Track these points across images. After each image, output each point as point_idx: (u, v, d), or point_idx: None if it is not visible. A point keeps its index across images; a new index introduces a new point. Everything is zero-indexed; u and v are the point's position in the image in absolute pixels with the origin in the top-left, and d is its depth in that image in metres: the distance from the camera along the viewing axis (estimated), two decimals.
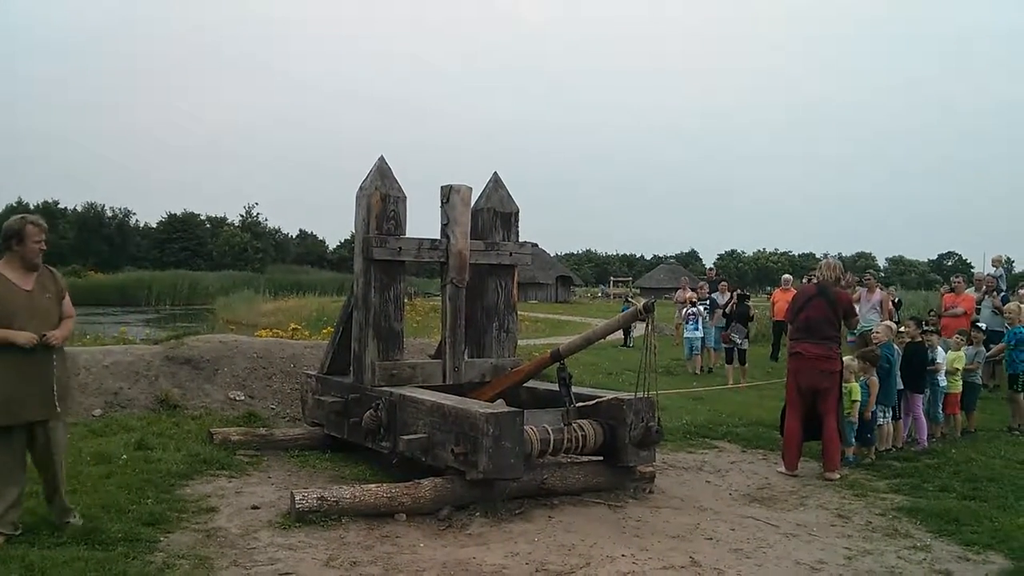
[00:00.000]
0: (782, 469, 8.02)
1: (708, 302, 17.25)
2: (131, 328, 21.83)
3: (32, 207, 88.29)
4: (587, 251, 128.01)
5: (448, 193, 7.63)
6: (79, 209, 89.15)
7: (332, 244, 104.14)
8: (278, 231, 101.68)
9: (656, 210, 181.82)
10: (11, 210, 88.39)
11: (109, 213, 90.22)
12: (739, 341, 15.19)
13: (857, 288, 14.79)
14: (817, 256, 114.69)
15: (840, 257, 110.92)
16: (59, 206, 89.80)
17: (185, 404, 9.60)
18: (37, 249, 5.32)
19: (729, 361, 15.22)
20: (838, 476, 7.69)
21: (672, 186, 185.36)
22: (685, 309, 17.81)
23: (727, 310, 16.04)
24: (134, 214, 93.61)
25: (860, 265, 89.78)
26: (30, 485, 6.17)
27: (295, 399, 9.58)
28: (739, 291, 16.95)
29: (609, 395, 7.12)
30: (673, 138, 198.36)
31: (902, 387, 9.14)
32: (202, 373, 10.15)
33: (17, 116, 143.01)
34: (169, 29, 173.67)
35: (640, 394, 6.71)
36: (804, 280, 16.11)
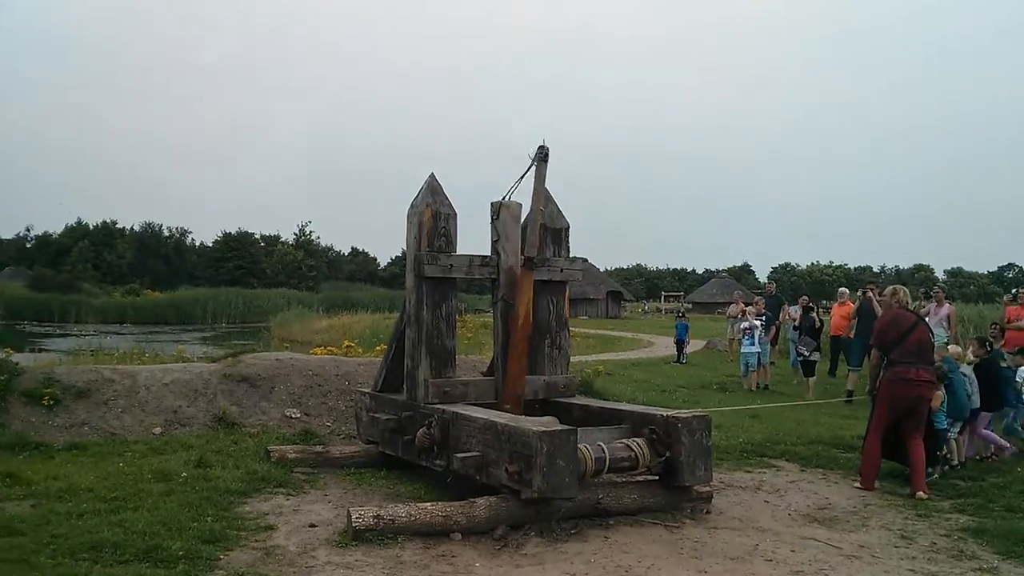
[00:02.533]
0: (858, 484, 8.00)
1: (765, 318, 17.02)
2: (188, 346, 22.18)
3: (91, 227, 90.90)
4: (637, 265, 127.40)
5: (498, 209, 7.65)
6: (137, 229, 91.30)
7: (383, 261, 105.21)
8: (330, 249, 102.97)
9: (708, 223, 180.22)
10: (71, 230, 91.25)
11: (166, 232, 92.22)
12: (807, 353, 15.03)
13: (924, 303, 14.51)
14: (874, 269, 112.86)
15: (898, 270, 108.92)
16: (117, 226, 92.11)
17: (243, 422, 9.74)
18: None
19: (807, 375, 15.15)
20: (927, 495, 7.58)
21: (724, 199, 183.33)
22: (739, 324, 17.62)
23: (797, 323, 15.99)
24: (190, 233, 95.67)
25: (919, 278, 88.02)
26: (90, 503, 6.32)
27: (350, 416, 9.66)
28: (805, 303, 16.91)
29: (665, 413, 7.05)
30: (724, 150, 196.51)
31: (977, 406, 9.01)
32: (259, 391, 10.29)
33: (75, 139, 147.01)
34: (220, 52, 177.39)
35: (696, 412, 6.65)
36: (860, 294, 15.90)
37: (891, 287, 8.76)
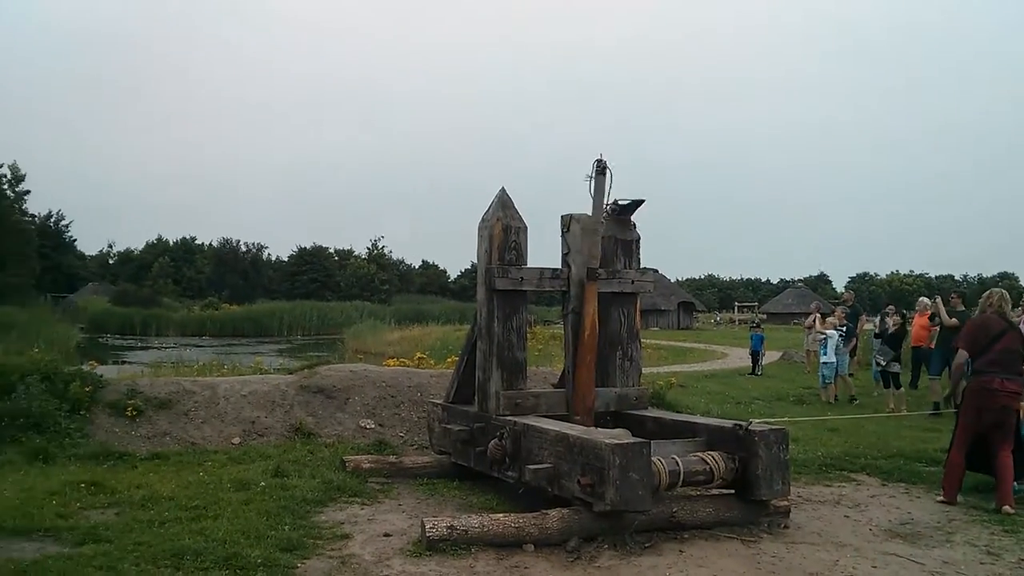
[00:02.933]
0: (941, 498, 7.77)
1: (846, 329, 16.62)
2: (265, 358, 22.66)
3: (171, 243, 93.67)
4: (709, 276, 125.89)
5: (568, 222, 7.66)
6: (215, 244, 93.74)
7: (453, 274, 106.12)
8: (402, 262, 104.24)
9: (782, 232, 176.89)
10: (152, 247, 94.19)
11: (243, 248, 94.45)
12: (884, 363, 14.66)
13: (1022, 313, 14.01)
14: (956, 278, 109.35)
15: (981, 279, 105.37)
16: (196, 242, 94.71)
17: (318, 432, 9.91)
18: None
19: (887, 385, 14.75)
20: (1014, 510, 7.31)
21: (799, 207, 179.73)
22: (815, 334, 17.26)
23: (888, 333, 15.58)
24: (266, 248, 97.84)
25: (1004, 287, 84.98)
26: (172, 511, 6.49)
27: (422, 427, 9.75)
28: (885, 311, 16.51)
29: (741, 425, 6.93)
30: (798, 157, 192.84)
31: None
32: (334, 402, 10.46)
33: (154, 157, 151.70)
34: (291, 69, 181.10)
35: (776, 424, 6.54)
36: (931, 301, 15.48)
37: (989, 290, 8.42)
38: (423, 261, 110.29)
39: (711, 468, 6.49)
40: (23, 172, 56.64)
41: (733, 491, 6.70)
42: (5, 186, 54.81)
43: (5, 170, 55.39)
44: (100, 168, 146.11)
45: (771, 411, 13.91)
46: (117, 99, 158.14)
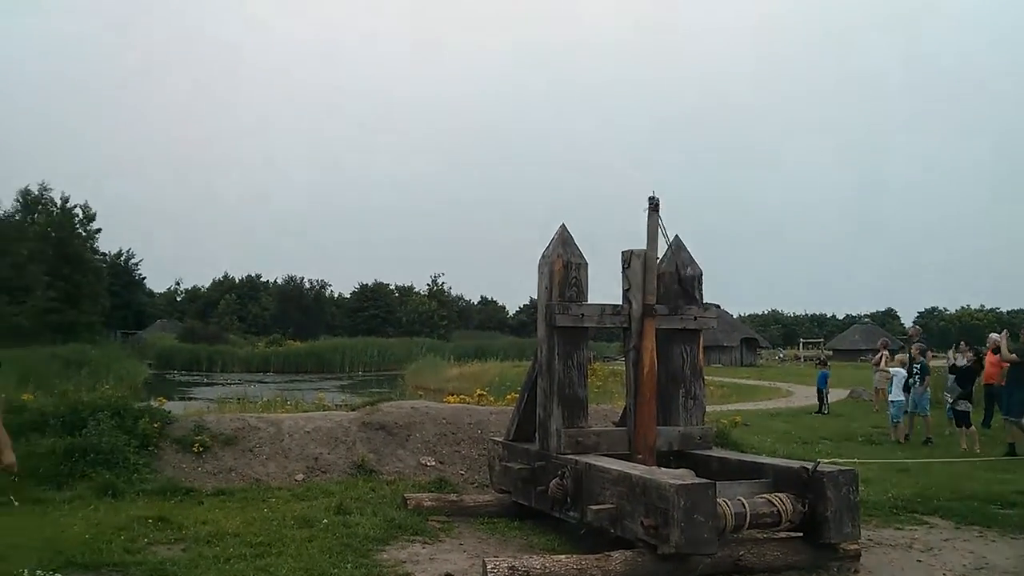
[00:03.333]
0: None
1: (919, 366, 16.17)
2: (327, 394, 22.92)
3: (237, 280, 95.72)
4: (772, 311, 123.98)
5: (629, 258, 7.62)
6: (280, 282, 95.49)
7: (512, 310, 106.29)
8: (461, 298, 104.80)
9: (847, 267, 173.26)
10: (218, 284, 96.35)
11: (307, 285, 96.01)
12: (951, 401, 14.25)
13: None
14: None
15: None
16: (261, 279, 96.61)
17: (380, 469, 9.95)
18: None
19: (959, 424, 14.32)
20: None
21: (865, 240, 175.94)
22: (883, 372, 16.84)
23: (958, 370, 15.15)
24: (329, 285, 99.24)
25: None
26: (237, 547, 6.55)
27: (483, 465, 9.71)
28: (956, 348, 16.05)
29: (809, 466, 6.77)
30: (863, 188, 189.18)
31: None
32: (395, 439, 10.50)
33: (220, 197, 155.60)
34: (349, 113, 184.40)
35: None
36: (998, 336, 15.01)
37: None
38: (482, 297, 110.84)
39: (779, 510, 6.33)
40: (94, 210, 58.55)
41: (801, 534, 6.53)
42: (77, 225, 56.62)
43: (78, 209, 57.28)
44: (169, 206, 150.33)
45: (839, 451, 13.56)
46: (186, 142, 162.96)
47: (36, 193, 56.33)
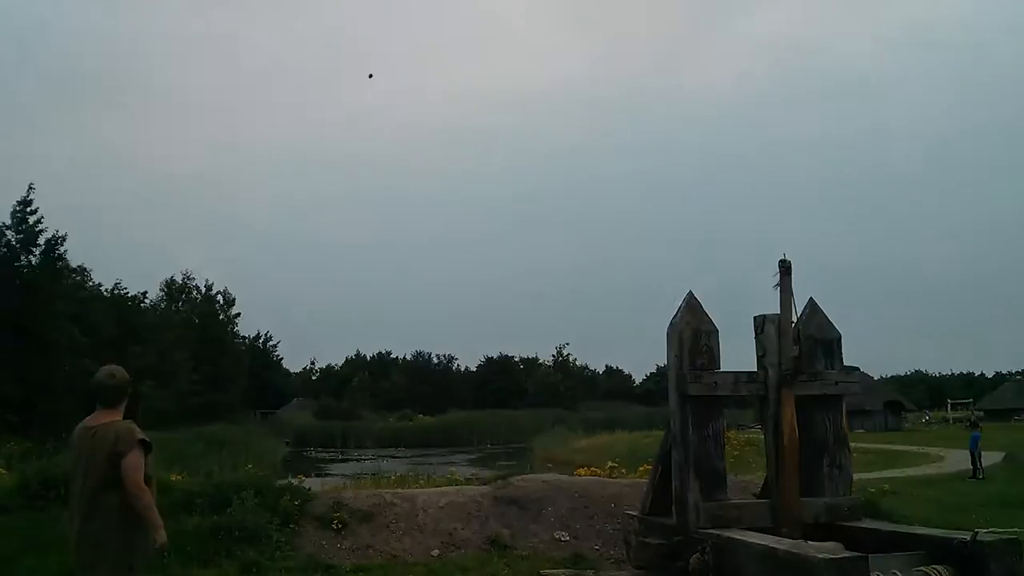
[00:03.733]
0: None
1: None
2: (458, 468, 23.08)
3: (368, 358, 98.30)
4: (916, 371, 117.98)
5: (762, 323, 7.44)
6: (408, 358, 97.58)
7: (638, 378, 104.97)
8: (586, 368, 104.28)
9: (995, 321, 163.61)
10: (350, 362, 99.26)
11: (435, 360, 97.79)
12: None
13: None
14: None
15: None
16: (391, 355, 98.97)
17: (514, 544, 9.87)
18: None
19: None
20: None
21: (1014, 291, 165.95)
22: None
23: None
24: (456, 359, 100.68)
25: None
26: None
27: (618, 539, 9.51)
28: None
29: (967, 537, 6.33)
30: (1004, 237, 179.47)
31: None
32: (528, 513, 10.43)
33: (349, 279, 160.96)
34: (482, 193, 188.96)
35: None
36: None
37: None
38: (607, 366, 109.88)
39: None
40: (234, 296, 61.64)
41: None
42: (219, 310, 59.67)
43: (219, 296, 60.47)
44: (303, 289, 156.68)
45: (998, 519, 12.62)
46: (321, 224, 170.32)
47: (180, 282, 59.89)
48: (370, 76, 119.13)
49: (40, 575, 8.46)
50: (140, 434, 5.12)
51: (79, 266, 38.88)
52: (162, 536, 5.00)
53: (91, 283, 43.11)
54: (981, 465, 20.23)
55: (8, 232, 30.96)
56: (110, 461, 5.00)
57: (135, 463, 4.98)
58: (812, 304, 7.85)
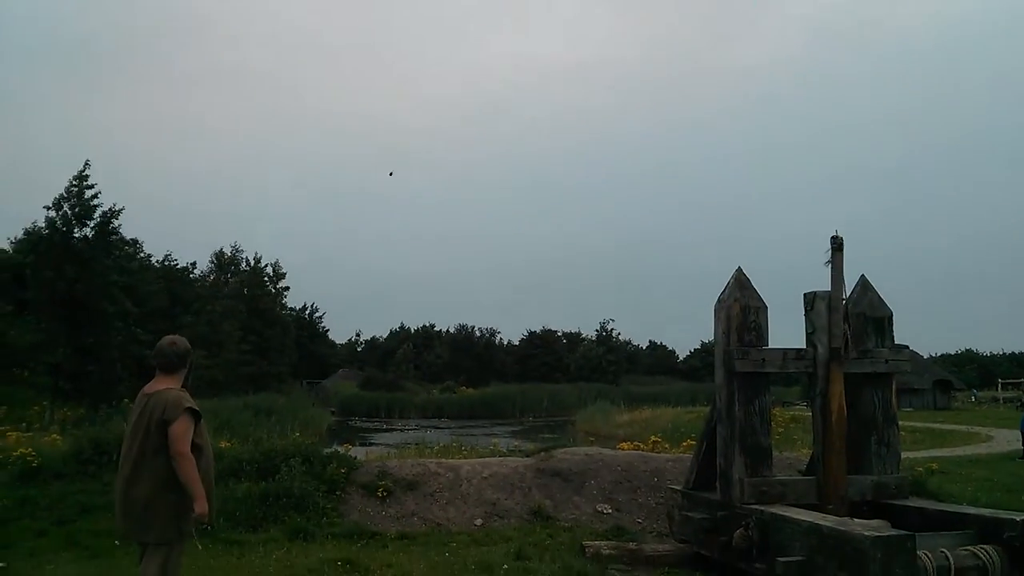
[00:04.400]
0: None
1: None
2: (500, 439, 23.17)
3: (413, 331, 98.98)
4: (967, 351, 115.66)
5: (812, 300, 7.37)
6: (452, 331, 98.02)
7: (682, 354, 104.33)
8: (629, 343, 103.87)
9: None
10: (395, 334, 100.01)
11: (478, 333, 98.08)
12: None
13: None
14: None
15: None
16: (435, 328, 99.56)
17: (556, 515, 9.94)
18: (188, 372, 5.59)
19: None
20: None
21: None
22: None
23: None
24: (499, 333, 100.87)
25: None
26: None
27: (660, 513, 9.53)
28: None
29: (1018, 517, 6.25)
30: None
31: None
32: (571, 485, 10.48)
33: (399, 254, 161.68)
34: (510, 168, 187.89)
35: None
36: None
37: None
38: (650, 342, 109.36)
39: (984, 563, 5.87)
40: (284, 270, 62.24)
41: None
42: (267, 282, 60.37)
43: (268, 268, 61.13)
44: (348, 262, 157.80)
45: None
46: (366, 198, 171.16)
47: (229, 254, 60.64)
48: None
49: (94, 538, 8.73)
50: (189, 402, 5.22)
51: (132, 239, 39.53)
52: (202, 506, 5.06)
53: (142, 254, 43.83)
54: None
55: (64, 205, 31.57)
56: (159, 428, 5.12)
57: (181, 431, 5.08)
58: (863, 281, 7.75)
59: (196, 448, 5.19)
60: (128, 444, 5.29)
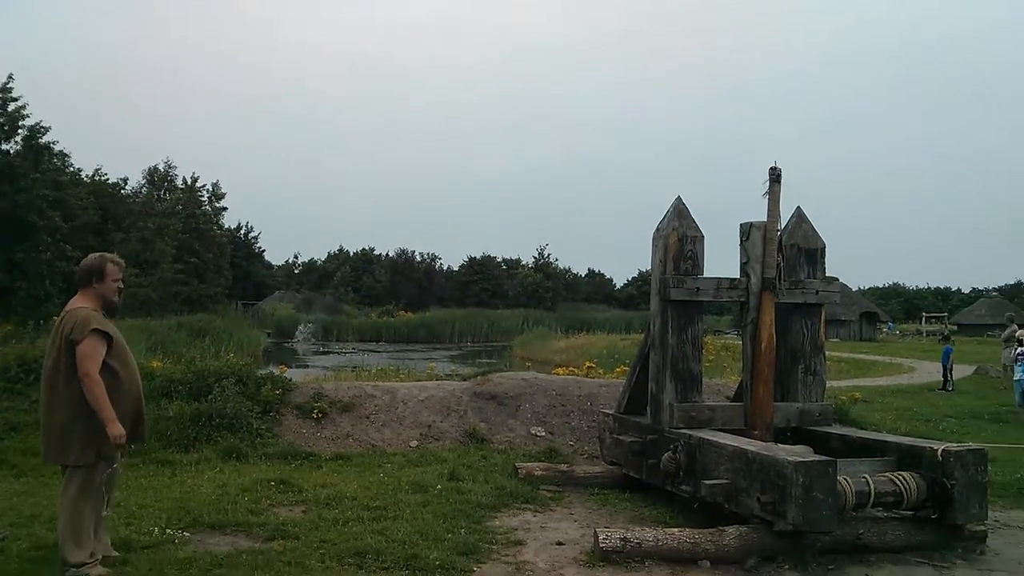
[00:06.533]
0: None
1: None
2: (437, 363, 23.32)
3: (351, 254, 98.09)
4: (894, 284, 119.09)
5: (748, 230, 7.44)
6: (392, 255, 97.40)
7: (619, 282, 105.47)
8: (568, 271, 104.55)
9: (974, 238, 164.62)
10: (333, 257, 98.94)
11: (418, 258, 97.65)
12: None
13: None
14: None
15: None
16: (375, 252, 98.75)
17: (491, 438, 10.08)
18: (116, 288, 5.29)
19: None
20: None
21: (991, 210, 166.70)
22: (1014, 349, 16.01)
23: None
24: (439, 258, 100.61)
25: None
26: (354, 510, 6.75)
27: (592, 437, 9.72)
28: None
29: (936, 445, 6.51)
30: (992, 157, 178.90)
31: None
32: (506, 409, 10.61)
33: (334, 172, 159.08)
34: (464, 96, 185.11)
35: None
36: None
37: None
38: (589, 269, 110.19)
39: (901, 490, 6.12)
40: (223, 191, 60.73)
41: (925, 514, 6.30)
42: (205, 202, 58.90)
43: (208, 186, 59.57)
44: (288, 185, 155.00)
45: (964, 430, 13.01)
46: (304, 126, 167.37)
47: (162, 171, 58.90)
48: None
49: (20, 456, 8.60)
50: (98, 323, 5.04)
51: (59, 151, 38.05)
52: (115, 429, 4.91)
53: (71, 168, 42.23)
54: (952, 378, 20.65)
55: None
56: (68, 347, 4.97)
57: (87, 351, 4.92)
58: (799, 213, 7.83)
59: (110, 370, 5.03)
60: (45, 364, 5.17)
